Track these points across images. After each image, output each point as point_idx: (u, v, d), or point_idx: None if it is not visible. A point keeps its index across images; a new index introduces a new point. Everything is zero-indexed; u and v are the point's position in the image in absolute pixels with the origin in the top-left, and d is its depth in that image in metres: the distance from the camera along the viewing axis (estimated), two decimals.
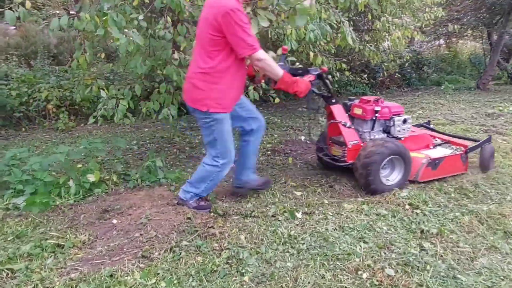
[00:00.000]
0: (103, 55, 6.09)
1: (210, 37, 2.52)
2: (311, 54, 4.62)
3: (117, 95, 3.59)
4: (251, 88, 4.34)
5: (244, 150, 3.13)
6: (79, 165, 3.86)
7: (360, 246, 2.48)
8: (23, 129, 6.68)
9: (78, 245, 2.52)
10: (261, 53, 2.56)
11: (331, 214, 2.89)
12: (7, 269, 2.25)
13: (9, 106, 6.56)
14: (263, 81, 3.24)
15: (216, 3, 2.53)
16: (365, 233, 2.64)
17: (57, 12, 17.21)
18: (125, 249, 2.47)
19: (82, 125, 6.99)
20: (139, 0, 3.51)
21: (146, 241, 2.54)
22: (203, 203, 2.98)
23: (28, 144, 5.71)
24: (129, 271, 2.23)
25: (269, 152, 4.53)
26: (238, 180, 3.21)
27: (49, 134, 6.46)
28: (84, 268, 2.28)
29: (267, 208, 2.97)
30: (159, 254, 2.40)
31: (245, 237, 2.55)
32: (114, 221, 2.81)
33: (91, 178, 3.44)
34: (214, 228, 2.67)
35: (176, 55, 3.54)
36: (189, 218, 2.81)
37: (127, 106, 3.59)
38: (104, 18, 3.18)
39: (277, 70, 2.69)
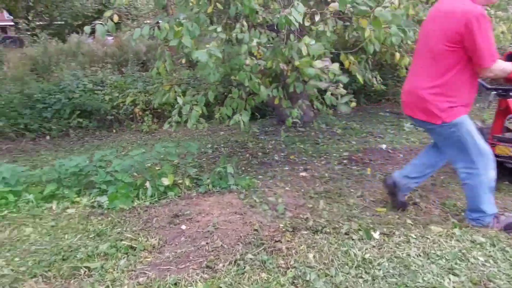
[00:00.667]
0: (183, 61, 6.42)
1: (445, 49, 2.34)
2: (397, 55, 4.22)
3: (191, 101, 3.66)
4: (328, 92, 4.11)
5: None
6: (157, 168, 4.04)
7: (449, 279, 2.12)
8: (114, 130, 7.31)
9: (149, 249, 2.59)
10: (499, 63, 2.36)
11: (415, 237, 2.54)
12: (85, 266, 2.39)
13: (103, 109, 7.24)
14: None
15: (452, 11, 2.31)
16: (455, 263, 2.25)
17: (148, 22, 18.87)
18: (191, 257, 2.46)
19: (163, 127, 7.40)
20: (213, 8, 3.56)
21: (212, 251, 2.51)
22: (503, 218, 2.64)
23: (117, 145, 6.22)
24: (193, 281, 2.20)
25: (345, 160, 4.24)
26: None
27: (135, 135, 6.97)
28: (152, 273, 2.31)
29: (340, 224, 2.73)
30: (223, 266, 2.33)
31: (314, 256, 2.36)
32: (183, 226, 2.84)
33: (165, 181, 3.55)
34: (281, 243, 2.53)
35: (248, 61, 3.49)
36: (256, 230, 2.72)
37: (201, 112, 3.64)
38: (178, 29, 3.27)
39: (510, 68, 2.45)
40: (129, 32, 3.50)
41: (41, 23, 16.30)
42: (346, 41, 4.73)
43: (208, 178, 3.70)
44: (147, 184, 3.60)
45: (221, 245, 2.56)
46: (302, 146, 4.85)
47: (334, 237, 2.57)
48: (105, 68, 8.76)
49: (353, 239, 2.54)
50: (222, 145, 5.31)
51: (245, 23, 3.60)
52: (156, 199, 3.49)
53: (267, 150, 4.81)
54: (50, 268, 2.40)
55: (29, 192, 3.59)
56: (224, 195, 3.42)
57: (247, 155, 4.70)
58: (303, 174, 3.83)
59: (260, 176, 3.90)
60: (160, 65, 3.83)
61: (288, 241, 2.56)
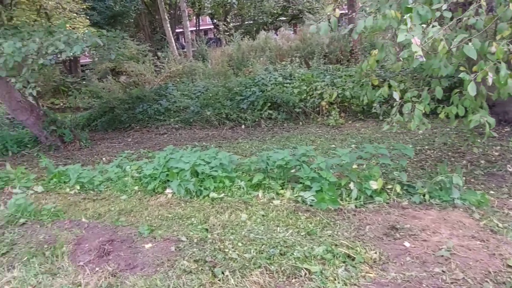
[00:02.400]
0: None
1: None
2: None
3: (412, 98, 3.19)
4: None
5: None
6: (355, 167, 3.77)
7: None
8: (300, 123, 7.46)
9: (369, 263, 2.32)
10: None
11: None
12: (305, 268, 2.31)
13: (291, 102, 7.46)
14: None
15: None
16: None
17: (329, 13, 18.93)
18: (424, 285, 2.07)
19: (349, 122, 7.13)
20: None
21: (451, 283, 2.05)
22: None
23: (305, 138, 6.27)
24: None
25: None
26: None
27: (321, 129, 6.92)
28: None
29: None
30: None
31: None
32: (407, 244, 2.46)
33: (374, 185, 3.23)
34: None
35: (493, 48, 2.77)
36: (510, 266, 2.10)
37: (423, 111, 3.13)
38: (408, 14, 2.85)
39: None
40: (351, 25, 3.26)
41: (235, 24, 18.43)
42: None
43: (423, 187, 3.19)
44: (351, 185, 3.37)
45: (463, 277, 2.06)
46: None
47: None
48: (293, 62, 9.04)
49: None
50: (426, 147, 4.62)
51: (483, 3, 2.88)
52: (362, 202, 3.22)
53: (493, 158, 3.88)
54: (271, 261, 2.43)
55: (241, 179, 3.87)
56: (447, 211, 2.86)
57: (464, 162, 3.90)
58: None
59: (492, 192, 3.13)
60: (372, 57, 3.49)
61: None
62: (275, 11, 17.14)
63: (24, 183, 4.49)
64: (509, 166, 3.56)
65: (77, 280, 2.40)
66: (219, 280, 2.30)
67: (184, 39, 13.49)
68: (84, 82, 9.02)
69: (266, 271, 2.34)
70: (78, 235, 3.02)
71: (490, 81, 2.59)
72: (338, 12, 3.12)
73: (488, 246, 2.30)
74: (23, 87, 4.67)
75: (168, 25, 13.07)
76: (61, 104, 12.61)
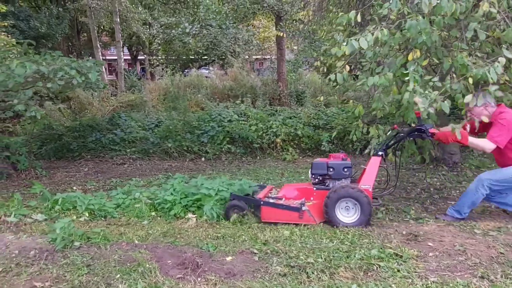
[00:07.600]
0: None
1: None
2: None
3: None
4: None
5: None
6: None
7: None
8: (258, 157, 8.21)
9: (414, 258, 3.14)
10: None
11: None
12: (376, 264, 3.00)
13: (250, 138, 8.19)
14: None
15: None
16: None
17: (247, 57, 20.63)
18: (458, 268, 2.97)
19: (301, 157, 8.18)
20: (428, 61, 4.23)
21: (474, 265, 3.00)
22: None
23: (272, 171, 7.02)
24: (481, 285, 2.70)
25: None
26: None
27: (279, 163, 7.78)
28: (434, 276, 2.85)
29: None
30: (495, 278, 2.81)
31: None
32: (430, 244, 3.38)
33: None
34: None
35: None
36: (501, 252, 3.17)
37: None
38: (407, 78, 3.96)
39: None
40: (363, 80, 4.23)
41: (158, 58, 18.62)
42: None
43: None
44: None
45: (479, 262, 3.04)
46: None
47: None
48: (245, 102, 9.83)
49: None
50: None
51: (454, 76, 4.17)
52: None
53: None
54: (346, 261, 3.05)
55: None
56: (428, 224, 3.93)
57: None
58: None
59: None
60: (374, 105, 4.49)
61: None
62: (200, 50, 18.02)
63: (19, 211, 4.14)
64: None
65: None
66: (313, 279, 2.82)
67: (117, 69, 13.20)
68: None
69: (346, 269, 2.95)
70: (147, 254, 3.13)
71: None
72: (348, 67, 4.06)
73: (485, 242, 3.36)
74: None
75: (100, 53, 12.68)
76: None
